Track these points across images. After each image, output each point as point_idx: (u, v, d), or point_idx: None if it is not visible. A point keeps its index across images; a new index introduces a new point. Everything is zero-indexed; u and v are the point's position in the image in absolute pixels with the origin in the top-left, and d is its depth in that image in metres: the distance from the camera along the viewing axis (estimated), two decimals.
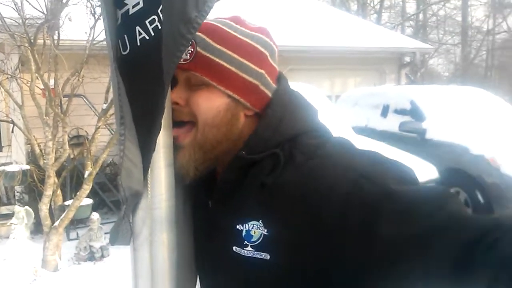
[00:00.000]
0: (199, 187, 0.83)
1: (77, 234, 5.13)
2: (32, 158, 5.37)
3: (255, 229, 0.72)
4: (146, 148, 0.73)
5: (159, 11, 0.69)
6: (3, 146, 6.12)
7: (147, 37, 0.69)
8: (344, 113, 6.15)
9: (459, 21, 24.02)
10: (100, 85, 4.87)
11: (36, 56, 3.78)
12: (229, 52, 0.75)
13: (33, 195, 5.09)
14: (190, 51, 0.74)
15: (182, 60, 0.74)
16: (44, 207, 4.03)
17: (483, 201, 4.68)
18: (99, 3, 3.84)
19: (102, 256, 4.53)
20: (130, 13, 0.71)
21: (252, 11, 8.39)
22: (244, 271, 0.73)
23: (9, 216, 4.69)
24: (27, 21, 3.77)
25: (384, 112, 6.38)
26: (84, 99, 5.80)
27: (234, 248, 0.74)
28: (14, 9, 3.85)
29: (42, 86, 4.11)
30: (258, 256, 0.71)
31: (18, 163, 5.26)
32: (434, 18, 24.12)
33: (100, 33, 4.16)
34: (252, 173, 0.75)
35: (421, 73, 16.39)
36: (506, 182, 4.53)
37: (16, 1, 3.84)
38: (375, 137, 5.35)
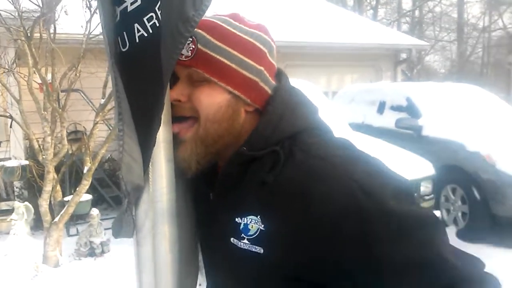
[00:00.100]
0: (200, 180, 0.85)
1: (77, 230, 5.14)
2: (30, 153, 5.37)
3: (253, 223, 0.75)
4: (146, 144, 0.74)
5: (156, 8, 0.70)
6: (1, 142, 6.12)
7: (146, 34, 0.71)
8: (341, 110, 6.17)
9: (455, 18, 24.08)
10: (97, 80, 4.86)
11: (33, 50, 3.77)
12: (229, 49, 0.77)
13: (32, 190, 5.09)
14: (191, 48, 0.76)
15: (183, 57, 0.76)
16: (44, 203, 4.03)
17: (479, 197, 4.72)
18: None
19: (103, 252, 4.54)
20: (128, 10, 0.72)
21: (249, 7, 8.39)
22: (238, 262, 0.76)
23: (9, 212, 4.68)
24: (23, 14, 3.75)
25: (381, 108, 6.41)
26: (82, 93, 5.79)
27: (232, 239, 0.77)
28: (10, 2, 3.82)
29: (39, 81, 4.11)
30: (253, 249, 0.74)
31: (16, 158, 5.25)
32: (430, 14, 24.17)
33: (97, 27, 4.14)
34: (252, 169, 0.77)
35: (417, 69, 16.44)
36: (502, 178, 4.57)
37: None
38: (371, 134, 5.37)
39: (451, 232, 4.90)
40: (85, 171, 4.21)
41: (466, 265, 0.69)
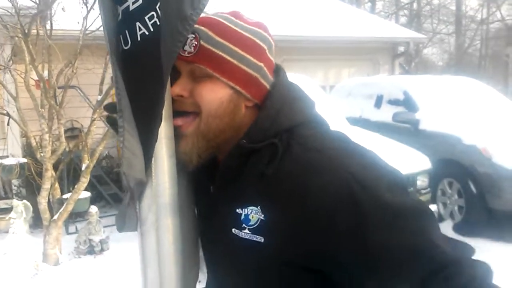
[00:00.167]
0: (201, 173, 0.88)
1: (76, 228, 5.15)
2: (28, 151, 5.38)
3: (253, 213, 0.77)
4: (148, 139, 0.76)
5: (157, 7, 0.72)
6: None
7: (147, 33, 0.73)
8: (338, 104, 6.19)
9: (453, 10, 24.06)
10: (94, 76, 4.85)
11: (30, 47, 3.77)
12: (231, 46, 0.79)
13: (31, 188, 5.09)
14: (194, 44, 0.78)
15: (186, 53, 0.78)
16: (43, 201, 4.04)
17: (476, 191, 4.74)
18: None
19: (102, 250, 4.55)
20: (130, 9, 0.74)
21: (247, 2, 8.37)
22: (240, 252, 0.79)
23: (8, 210, 4.69)
24: (20, 11, 3.75)
25: (378, 102, 6.42)
26: (78, 90, 5.79)
27: (233, 230, 0.79)
28: None
29: (36, 78, 4.11)
30: (254, 239, 0.76)
31: (14, 156, 5.25)
32: (428, 7, 24.14)
33: (93, 23, 4.16)
34: (252, 161, 0.79)
35: (415, 63, 16.45)
36: (498, 171, 4.59)
37: None
38: (369, 128, 5.39)
39: (447, 226, 4.93)
40: (83, 168, 4.22)
41: (457, 250, 0.72)
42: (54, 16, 4.05)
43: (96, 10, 3.99)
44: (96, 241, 4.52)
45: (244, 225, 0.78)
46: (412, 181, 4.44)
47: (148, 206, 0.81)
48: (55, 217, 4.08)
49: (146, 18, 0.73)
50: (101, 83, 4.27)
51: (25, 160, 4.89)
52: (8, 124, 5.03)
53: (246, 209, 0.78)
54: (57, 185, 4.33)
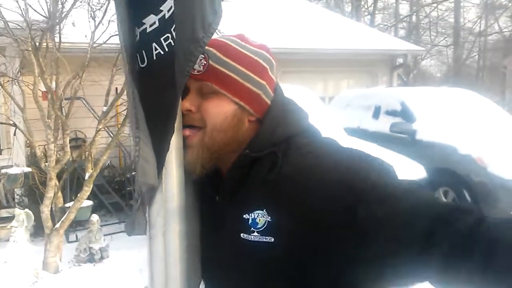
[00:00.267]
0: (205, 183, 0.95)
1: (76, 236, 5.19)
2: (32, 160, 5.45)
3: (260, 217, 0.84)
4: (161, 149, 0.84)
5: (172, 30, 0.81)
6: (2, 149, 6.19)
7: (162, 52, 0.81)
8: (337, 115, 6.28)
9: (452, 23, 24.24)
10: (99, 88, 4.95)
11: (40, 59, 3.86)
12: (236, 65, 0.87)
13: (33, 197, 5.14)
14: (203, 64, 0.86)
15: (195, 71, 0.86)
16: (45, 209, 4.09)
17: (471, 200, 4.82)
18: (112, 13, 3.90)
19: (102, 258, 4.59)
20: (147, 31, 0.82)
21: (247, 14, 8.51)
22: (252, 254, 0.84)
23: (9, 219, 4.72)
24: (32, 26, 3.86)
25: (376, 113, 6.52)
26: (84, 101, 5.89)
27: (242, 235, 0.85)
28: (20, 14, 3.91)
29: (43, 89, 4.20)
30: (264, 240, 0.82)
31: (18, 165, 5.33)
32: (427, 19, 24.34)
33: (100, 37, 4.28)
34: (254, 170, 0.87)
35: (413, 74, 16.58)
36: (493, 181, 4.66)
37: (20, 5, 3.92)
38: (367, 138, 5.47)
39: None
40: (86, 177, 4.29)
41: (447, 204, 0.78)
42: (62, 30, 4.16)
43: (104, 25, 4.13)
44: (96, 249, 4.56)
45: (252, 228, 0.84)
46: None
47: (157, 211, 0.88)
48: (57, 225, 4.13)
49: (161, 39, 0.81)
50: (107, 94, 4.35)
51: (29, 169, 4.95)
52: (14, 135, 5.12)
53: (252, 214, 0.84)
54: (60, 193, 4.38)
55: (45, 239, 4.20)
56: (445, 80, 22.68)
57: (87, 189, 4.20)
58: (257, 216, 0.84)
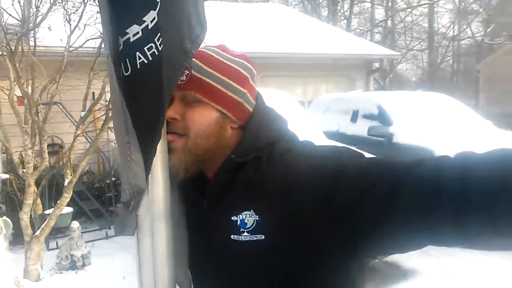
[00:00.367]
0: (190, 187, 0.98)
1: (57, 243, 5.13)
2: (9, 167, 5.35)
3: (248, 217, 0.87)
4: (148, 154, 0.86)
5: (155, 39, 0.83)
6: None
7: (146, 61, 0.83)
8: (316, 119, 6.37)
9: (426, 28, 24.84)
10: (77, 92, 4.92)
11: (16, 64, 3.82)
12: (218, 75, 0.91)
13: (10, 205, 5.06)
14: (186, 74, 0.90)
15: (179, 81, 0.89)
16: (25, 216, 4.04)
17: None
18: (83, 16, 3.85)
19: (84, 265, 4.56)
20: (131, 40, 0.84)
21: (225, 19, 8.56)
22: (244, 253, 0.88)
23: None
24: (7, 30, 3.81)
25: (354, 117, 6.65)
26: (60, 106, 5.82)
27: (232, 236, 0.88)
28: None
29: (19, 94, 4.14)
30: (255, 238, 0.86)
31: None
32: (402, 24, 24.88)
33: (76, 40, 4.25)
34: (240, 174, 0.91)
35: (389, 78, 16.90)
36: None
37: None
38: (345, 142, 5.54)
39: None
40: (66, 183, 4.25)
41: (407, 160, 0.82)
42: (37, 34, 4.11)
43: (80, 29, 4.10)
44: (78, 256, 4.52)
45: (242, 229, 0.87)
46: None
47: (144, 213, 0.91)
48: (37, 232, 4.08)
49: (145, 48, 0.83)
50: (85, 99, 4.32)
51: (7, 176, 4.87)
52: None
53: (240, 215, 0.88)
54: (39, 200, 4.33)
55: (25, 247, 4.14)
56: (420, 84, 23.20)
57: (67, 196, 4.16)
58: (245, 217, 0.87)
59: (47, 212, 4.40)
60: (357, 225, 0.79)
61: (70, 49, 4.16)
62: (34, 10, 3.93)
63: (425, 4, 23.02)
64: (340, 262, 0.87)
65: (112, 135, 5.55)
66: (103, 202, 6.09)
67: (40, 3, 3.96)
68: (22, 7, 3.95)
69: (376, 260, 4.14)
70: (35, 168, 4.14)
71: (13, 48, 3.77)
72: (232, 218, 0.89)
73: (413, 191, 0.73)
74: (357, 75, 10.28)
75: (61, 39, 4.38)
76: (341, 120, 6.85)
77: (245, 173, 0.90)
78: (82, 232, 4.78)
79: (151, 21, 0.83)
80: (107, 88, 4.41)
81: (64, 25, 4.24)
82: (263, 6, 10.90)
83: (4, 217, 4.40)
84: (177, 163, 0.91)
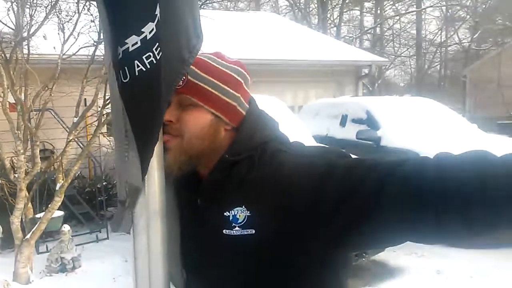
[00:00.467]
0: (184, 185, 1.04)
1: (47, 247, 5.12)
2: (0, 172, 5.35)
3: (240, 213, 0.93)
4: (145, 155, 0.92)
5: (153, 49, 0.88)
6: None
7: (144, 69, 0.87)
8: (306, 123, 6.46)
9: (414, 34, 25.12)
10: (69, 99, 4.94)
11: (11, 72, 3.85)
12: (213, 80, 0.97)
13: (1, 209, 5.04)
14: (182, 79, 0.96)
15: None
16: (16, 220, 4.04)
17: None
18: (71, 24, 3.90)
19: (74, 268, 4.56)
20: (129, 50, 0.89)
21: (219, 28, 8.63)
22: (236, 247, 0.93)
23: None
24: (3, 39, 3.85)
25: (343, 121, 6.76)
26: (53, 112, 5.84)
27: (224, 231, 0.93)
28: None
29: (11, 101, 4.17)
30: (245, 233, 0.91)
31: None
32: (390, 31, 25.16)
33: (70, 48, 4.29)
34: (234, 172, 0.97)
35: (378, 84, 17.08)
36: None
37: None
38: (334, 145, 5.65)
39: None
40: (57, 188, 4.27)
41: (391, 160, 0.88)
42: (31, 42, 4.15)
43: (74, 37, 4.14)
44: (68, 259, 4.52)
45: (233, 224, 0.92)
46: None
47: (140, 211, 0.96)
48: (28, 236, 4.09)
49: (143, 57, 0.88)
50: (78, 105, 4.36)
51: None
52: None
53: (232, 211, 0.92)
54: (30, 204, 4.34)
55: (15, 250, 4.14)
56: (408, 89, 23.49)
57: (58, 200, 4.17)
58: (237, 212, 0.93)
59: (38, 216, 4.41)
60: (345, 221, 0.84)
61: (64, 56, 4.20)
62: (28, 19, 3.97)
63: (413, 11, 23.37)
64: (327, 256, 0.93)
65: (103, 141, 5.58)
66: (94, 206, 6.09)
67: (34, 12, 4.00)
68: (16, 17, 3.98)
69: (364, 259, 4.21)
70: (26, 173, 4.15)
71: (7, 56, 3.79)
72: (225, 213, 0.94)
73: (397, 189, 0.79)
74: (346, 81, 10.40)
75: (54, 47, 4.42)
76: (330, 124, 6.96)
77: (239, 172, 0.96)
78: (72, 236, 4.78)
79: (150, 32, 0.88)
80: (100, 95, 4.46)
81: (58, 33, 4.28)
82: (254, 15, 11.01)
83: None
84: (172, 162, 0.96)
